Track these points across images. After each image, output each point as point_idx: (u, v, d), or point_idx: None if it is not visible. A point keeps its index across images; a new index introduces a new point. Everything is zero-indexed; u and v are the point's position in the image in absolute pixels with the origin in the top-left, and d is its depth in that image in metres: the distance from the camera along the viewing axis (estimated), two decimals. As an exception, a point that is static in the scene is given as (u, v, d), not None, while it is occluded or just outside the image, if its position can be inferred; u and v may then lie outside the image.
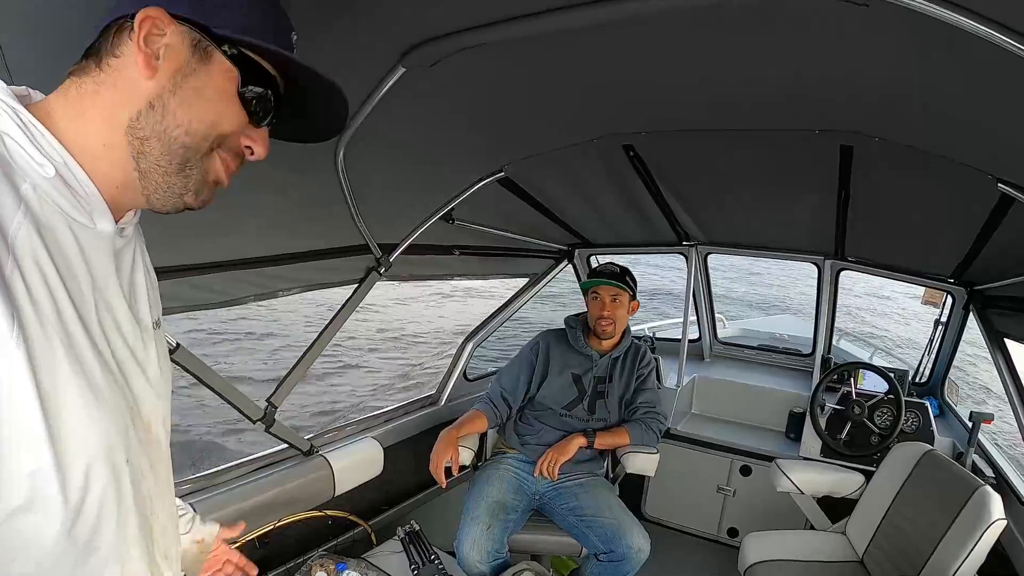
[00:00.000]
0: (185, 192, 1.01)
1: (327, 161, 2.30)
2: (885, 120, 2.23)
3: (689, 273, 4.66)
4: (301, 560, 3.13)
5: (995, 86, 1.61)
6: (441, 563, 3.03)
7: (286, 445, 3.18)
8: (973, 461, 3.61)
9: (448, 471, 3.23)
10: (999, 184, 2.23)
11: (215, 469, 2.96)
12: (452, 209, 3.14)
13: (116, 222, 0.99)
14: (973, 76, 1.61)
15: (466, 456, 3.45)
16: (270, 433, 3.04)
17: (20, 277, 0.80)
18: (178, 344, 2.51)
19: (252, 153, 1.08)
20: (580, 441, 3.32)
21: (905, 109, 2.08)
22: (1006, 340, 3.40)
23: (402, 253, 3.14)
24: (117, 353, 0.98)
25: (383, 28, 1.69)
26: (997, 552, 2.89)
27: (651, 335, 5.73)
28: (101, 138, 0.93)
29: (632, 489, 4.50)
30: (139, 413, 1.04)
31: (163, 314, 2.42)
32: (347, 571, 2.93)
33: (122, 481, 0.96)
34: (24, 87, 0.97)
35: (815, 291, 4.70)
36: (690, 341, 5.16)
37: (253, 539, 2.97)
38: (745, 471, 4.42)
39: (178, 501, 1.55)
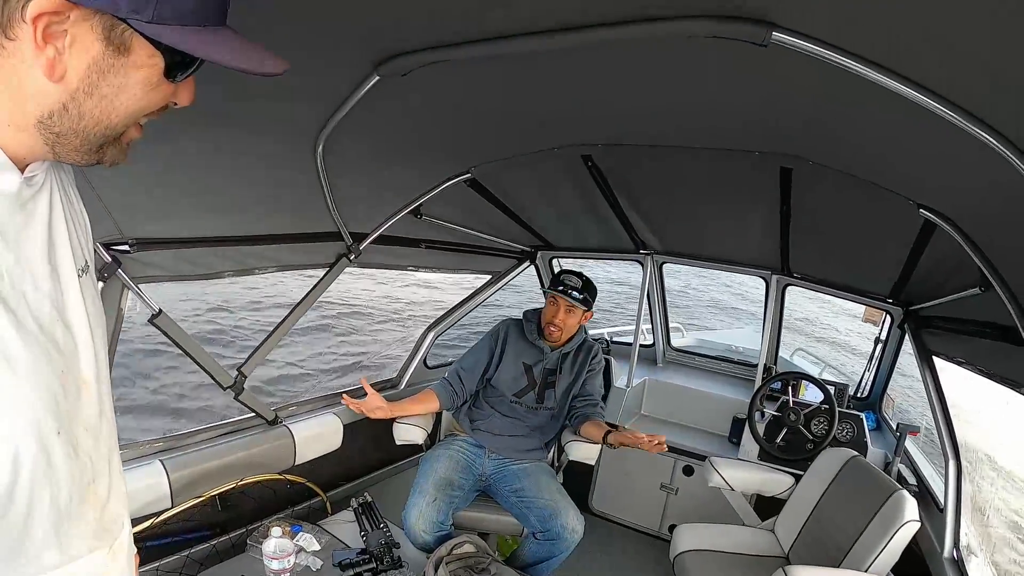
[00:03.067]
0: (101, 161, 0.93)
1: (307, 153, 2.41)
2: (816, 145, 2.34)
3: (644, 280, 4.73)
4: (260, 523, 3.21)
5: (905, 121, 1.70)
6: (389, 531, 3.12)
7: (252, 413, 3.26)
8: (899, 470, 3.72)
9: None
10: (920, 210, 2.32)
11: (184, 431, 3.05)
12: (421, 205, 3.24)
13: (22, 171, 0.89)
14: (884, 110, 1.70)
15: (417, 435, 3.55)
16: (238, 401, 3.13)
17: None
18: (160, 310, 2.61)
19: (176, 105, 0.96)
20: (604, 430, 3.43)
21: (832, 136, 2.19)
22: (935, 358, 3.50)
23: (372, 243, 3.26)
24: (38, 313, 0.89)
25: (359, 38, 1.77)
26: (914, 554, 2.99)
27: (608, 338, 5.81)
28: (4, 120, 0.83)
29: (580, 483, 4.59)
30: (71, 372, 0.96)
31: (145, 282, 2.51)
32: (302, 532, 3.02)
33: (54, 456, 0.90)
34: None
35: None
36: (643, 346, 5.27)
37: (215, 497, 3.05)
38: (688, 471, 4.50)
39: None
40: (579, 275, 3.58)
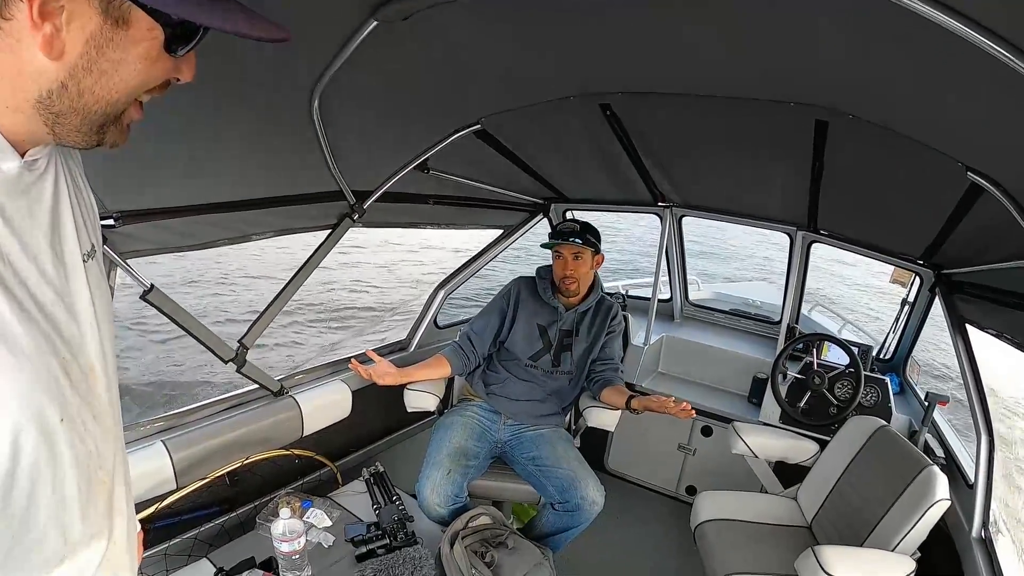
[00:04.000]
0: (101, 143, 0.91)
1: (302, 108, 2.27)
2: (860, 98, 2.21)
3: (663, 234, 4.63)
4: (268, 498, 3.17)
5: (967, 77, 1.59)
6: (403, 504, 3.10)
7: (257, 385, 3.18)
8: (926, 440, 3.62)
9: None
10: (968, 172, 2.20)
11: (187, 407, 2.99)
12: (427, 159, 3.11)
13: (22, 155, 0.88)
14: (945, 65, 1.59)
15: (430, 402, 3.49)
16: (241, 373, 3.05)
17: None
18: (152, 285, 2.51)
19: (179, 81, 0.95)
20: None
21: (879, 89, 2.05)
22: (968, 326, 3.39)
23: (376, 201, 3.13)
24: (40, 298, 0.88)
25: None
26: (940, 531, 2.91)
27: (624, 292, 5.71)
28: (2, 101, 0.82)
29: (596, 442, 4.57)
30: (75, 359, 0.94)
31: (133, 257, 2.40)
32: (312, 508, 2.99)
33: (56, 444, 0.88)
34: None
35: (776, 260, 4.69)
36: (661, 301, 5.18)
37: (223, 476, 2.99)
38: (706, 431, 4.46)
39: None
40: (574, 220, 3.53)
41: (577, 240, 3.36)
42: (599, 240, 3.48)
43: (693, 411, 3.01)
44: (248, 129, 2.27)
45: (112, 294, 2.36)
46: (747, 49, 2.03)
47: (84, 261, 1.00)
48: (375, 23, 1.82)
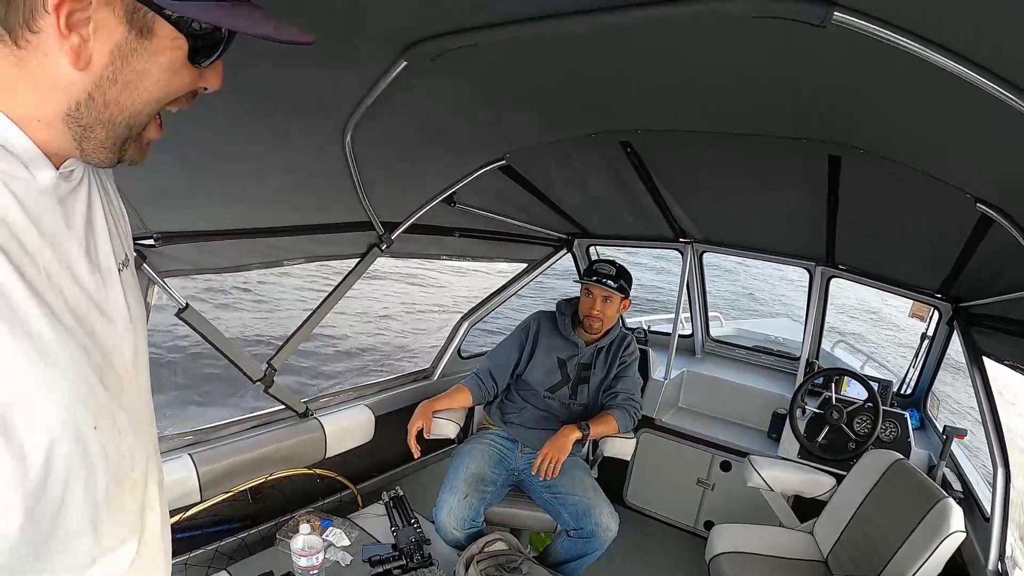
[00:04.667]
0: (122, 159, 0.93)
1: (335, 141, 2.36)
2: (869, 133, 2.26)
3: (684, 270, 4.68)
4: (289, 516, 3.22)
5: (970, 113, 1.64)
6: (420, 527, 3.13)
7: (283, 406, 3.26)
8: (944, 475, 3.62)
9: (422, 439, 3.29)
10: (978, 204, 2.25)
11: (215, 423, 3.05)
12: (454, 193, 3.20)
13: (57, 168, 0.89)
14: (949, 102, 1.64)
15: (450, 429, 3.51)
16: (268, 394, 3.14)
17: None
18: (187, 304, 2.60)
19: (206, 90, 0.97)
20: (575, 435, 3.27)
21: (887, 124, 2.11)
22: (985, 359, 3.40)
23: (404, 232, 3.22)
24: (76, 307, 0.90)
25: (386, 22, 1.73)
26: (956, 564, 2.91)
27: (646, 327, 5.73)
28: (34, 114, 0.84)
29: (615, 476, 4.57)
30: (111, 364, 0.96)
31: (170, 276, 2.50)
32: (331, 527, 3.03)
33: (90, 449, 0.89)
34: None
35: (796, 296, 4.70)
36: (682, 336, 5.19)
37: (246, 491, 3.06)
38: (725, 466, 4.45)
39: None
40: (612, 262, 3.53)
41: (611, 284, 3.41)
42: (630, 286, 3.54)
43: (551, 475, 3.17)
44: (284, 160, 2.37)
45: (148, 311, 2.46)
46: (761, 88, 2.09)
47: (119, 270, 1.03)
48: (405, 63, 1.90)
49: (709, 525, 4.48)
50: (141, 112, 0.88)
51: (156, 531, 1.11)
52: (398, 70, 1.93)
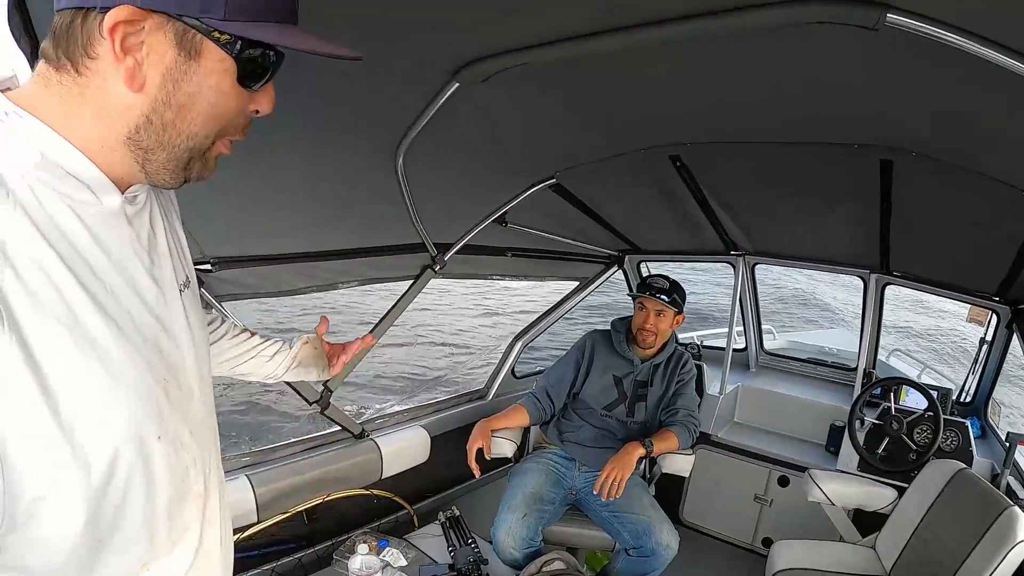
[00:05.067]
0: (188, 178, 0.98)
1: (387, 165, 2.42)
2: (921, 136, 2.25)
3: (736, 283, 4.65)
4: (345, 536, 3.26)
5: (1020, 104, 1.63)
6: (477, 547, 3.17)
7: (339, 428, 3.30)
8: (1008, 483, 3.55)
9: (481, 458, 3.29)
10: None
11: (272, 445, 3.11)
12: (506, 213, 3.22)
13: (123, 192, 0.95)
14: (1002, 98, 1.64)
15: (508, 448, 3.54)
16: (324, 415, 3.18)
17: (13, 275, 0.77)
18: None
19: (258, 113, 1.00)
20: (640, 452, 3.27)
21: (940, 126, 2.11)
22: None
23: (456, 253, 3.26)
24: (141, 325, 0.95)
25: (437, 46, 1.76)
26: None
27: (699, 343, 5.71)
28: (97, 139, 0.88)
29: (672, 493, 4.55)
30: (175, 380, 1.01)
31: (228, 300, 2.56)
32: (388, 548, 3.06)
33: (152, 459, 0.94)
34: (11, 69, 0.93)
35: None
36: (736, 351, 5.16)
37: (302, 512, 3.10)
38: (783, 482, 4.40)
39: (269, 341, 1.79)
40: (665, 277, 3.54)
41: (664, 298, 3.42)
42: (684, 301, 3.54)
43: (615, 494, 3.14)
44: (337, 184, 2.42)
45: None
46: (809, 96, 2.10)
47: (180, 291, 1.09)
48: (456, 85, 1.93)
49: (767, 542, 4.44)
50: (198, 134, 0.92)
51: (215, 546, 1.15)
52: (450, 92, 1.97)
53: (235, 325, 1.74)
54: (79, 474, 0.83)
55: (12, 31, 1.37)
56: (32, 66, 1.45)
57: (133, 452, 0.90)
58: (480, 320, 16.29)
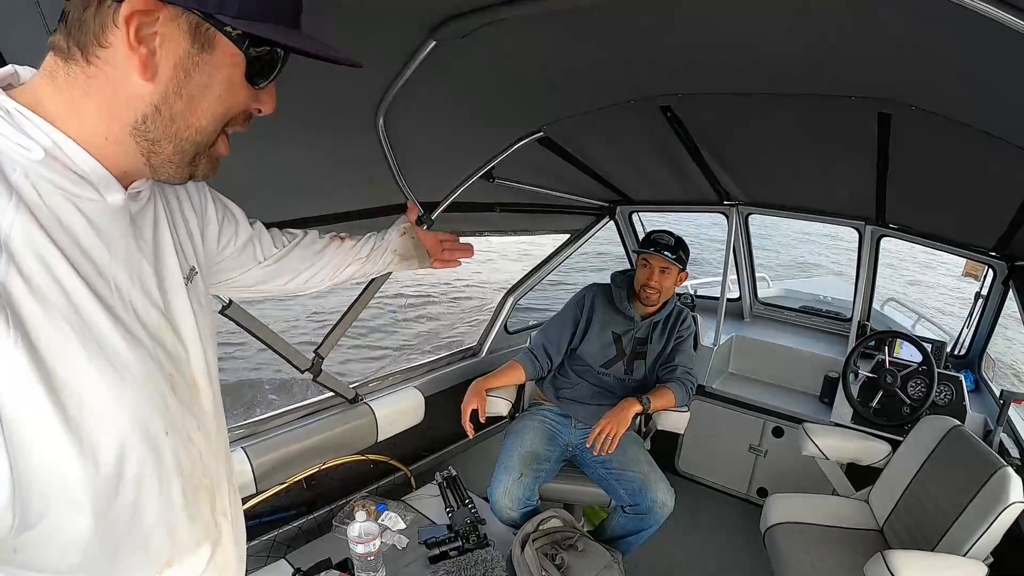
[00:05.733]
0: (194, 175, 0.99)
1: (368, 125, 2.38)
2: (920, 89, 2.23)
3: (729, 233, 4.65)
4: (344, 501, 3.31)
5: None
6: (475, 507, 3.21)
7: (332, 393, 3.33)
8: (1001, 441, 3.60)
9: (476, 420, 3.33)
10: None
11: (266, 415, 3.13)
12: (492, 168, 3.20)
13: (126, 188, 0.96)
14: (1003, 55, 1.63)
15: (502, 407, 3.57)
16: (317, 382, 3.21)
17: (17, 273, 0.79)
18: (230, 301, 2.66)
19: (260, 112, 1.02)
20: (636, 408, 3.29)
21: (940, 80, 2.09)
22: None
23: (444, 211, 3.23)
24: (146, 320, 0.97)
25: (412, 4, 1.74)
26: (1014, 535, 2.91)
27: (692, 292, 5.72)
28: (102, 132, 0.89)
29: (666, 444, 4.61)
30: (181, 374, 1.04)
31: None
32: (386, 511, 3.09)
33: (162, 453, 0.96)
34: (10, 67, 0.93)
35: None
36: (730, 300, 5.18)
37: (300, 480, 3.14)
38: (777, 432, 4.47)
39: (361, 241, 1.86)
40: (669, 233, 3.53)
41: (669, 255, 3.41)
42: (688, 258, 3.53)
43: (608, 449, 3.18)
44: (318, 149, 2.39)
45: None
46: (805, 45, 2.07)
47: (186, 283, 1.11)
48: (434, 43, 1.91)
49: (762, 492, 4.54)
50: (206, 128, 0.93)
51: (229, 535, 1.19)
52: (427, 50, 1.94)
53: (319, 236, 1.78)
54: (88, 469, 0.84)
55: None
56: None
57: (142, 447, 0.92)
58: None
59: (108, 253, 0.92)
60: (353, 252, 1.82)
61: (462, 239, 2.15)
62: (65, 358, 0.81)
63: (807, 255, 24.05)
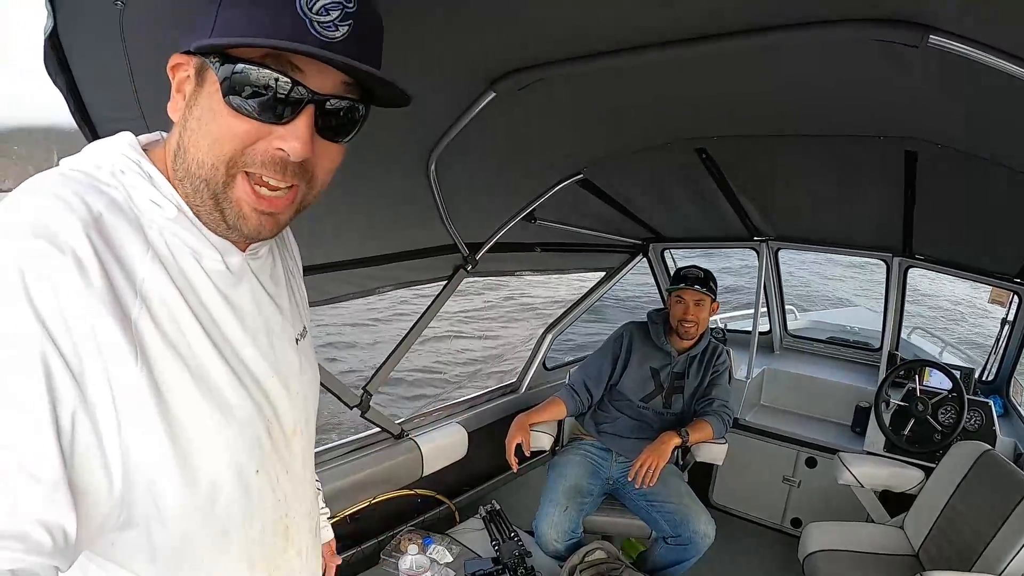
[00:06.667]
0: (228, 223, 0.97)
1: (420, 170, 2.55)
2: (945, 128, 2.38)
3: (760, 268, 4.78)
4: (390, 534, 3.42)
5: None
6: (520, 540, 3.31)
7: (379, 429, 3.47)
8: None
9: (520, 454, 3.46)
10: None
11: (315, 449, 3.22)
12: (534, 210, 3.36)
13: (244, 249, 1.06)
14: (1017, 98, 1.76)
15: (545, 441, 3.72)
16: (365, 418, 3.34)
17: (148, 316, 0.87)
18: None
19: (287, 154, 0.93)
20: (675, 442, 3.43)
21: (962, 120, 2.24)
22: None
23: (488, 251, 3.40)
24: (254, 369, 1.06)
25: (475, 58, 1.89)
26: None
27: (723, 326, 5.86)
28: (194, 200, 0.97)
29: (701, 477, 4.68)
30: (278, 422, 1.11)
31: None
32: (433, 544, 3.19)
33: (251, 490, 1.04)
34: (157, 132, 1.04)
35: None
36: (760, 333, 5.29)
37: (346, 515, 3.25)
38: (811, 463, 4.54)
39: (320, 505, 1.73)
40: (697, 267, 3.69)
41: (701, 287, 3.57)
42: (717, 288, 3.68)
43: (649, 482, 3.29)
44: (371, 192, 2.54)
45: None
46: (835, 92, 2.23)
47: (297, 341, 1.21)
48: (493, 95, 2.06)
49: (796, 522, 4.60)
50: (205, 162, 0.93)
51: (304, 571, 1.26)
52: (486, 101, 2.09)
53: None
54: (185, 494, 0.93)
55: (48, 70, 1.46)
56: (69, 103, 1.59)
57: (233, 479, 1.00)
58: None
59: (226, 308, 1.01)
60: None
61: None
62: (181, 393, 0.91)
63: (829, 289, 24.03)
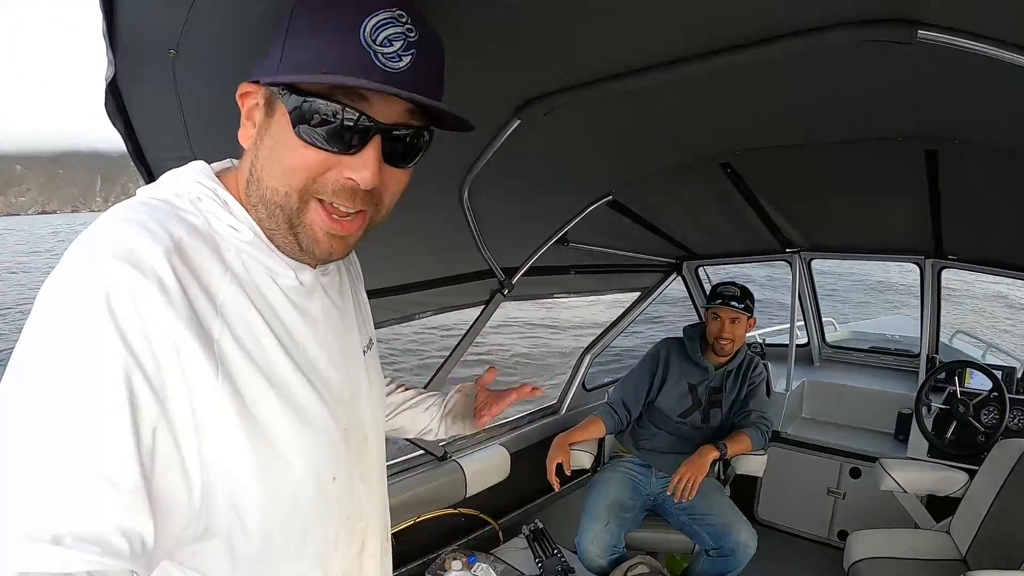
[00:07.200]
0: (302, 246, 1.03)
1: (454, 199, 2.63)
2: (963, 123, 2.41)
3: (794, 279, 4.83)
4: (434, 555, 3.46)
5: None
6: (563, 557, 3.37)
7: (423, 451, 3.55)
8: None
9: (561, 472, 3.53)
10: None
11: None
12: (567, 233, 3.43)
13: (314, 267, 1.12)
14: None
15: (585, 460, 3.79)
16: (408, 441, 3.40)
17: (229, 334, 0.92)
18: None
19: (357, 183, 0.97)
20: (713, 455, 3.49)
21: (980, 113, 2.27)
22: None
23: (523, 276, 3.48)
24: (329, 379, 1.11)
25: (500, 86, 1.95)
26: None
27: (761, 341, 5.89)
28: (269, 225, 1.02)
29: (745, 493, 4.70)
30: (355, 429, 1.17)
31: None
32: (478, 563, 3.22)
33: (329, 496, 1.08)
34: (228, 160, 1.10)
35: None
36: (798, 346, 5.32)
37: (390, 535, 3.28)
38: (855, 473, 4.53)
39: (424, 394, 1.85)
40: (734, 283, 3.76)
41: (737, 304, 3.65)
42: (754, 304, 3.76)
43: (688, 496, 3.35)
44: (408, 221, 2.61)
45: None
46: (851, 97, 2.28)
47: (364, 351, 1.29)
48: (519, 122, 2.13)
49: (842, 535, 4.56)
50: (279, 190, 0.98)
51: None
52: (512, 128, 2.16)
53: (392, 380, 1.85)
54: (266, 500, 0.97)
55: (108, 113, 1.53)
56: (128, 144, 1.68)
57: (313, 488, 1.04)
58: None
59: (301, 322, 1.06)
60: (413, 401, 1.85)
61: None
62: (261, 405, 0.95)
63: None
